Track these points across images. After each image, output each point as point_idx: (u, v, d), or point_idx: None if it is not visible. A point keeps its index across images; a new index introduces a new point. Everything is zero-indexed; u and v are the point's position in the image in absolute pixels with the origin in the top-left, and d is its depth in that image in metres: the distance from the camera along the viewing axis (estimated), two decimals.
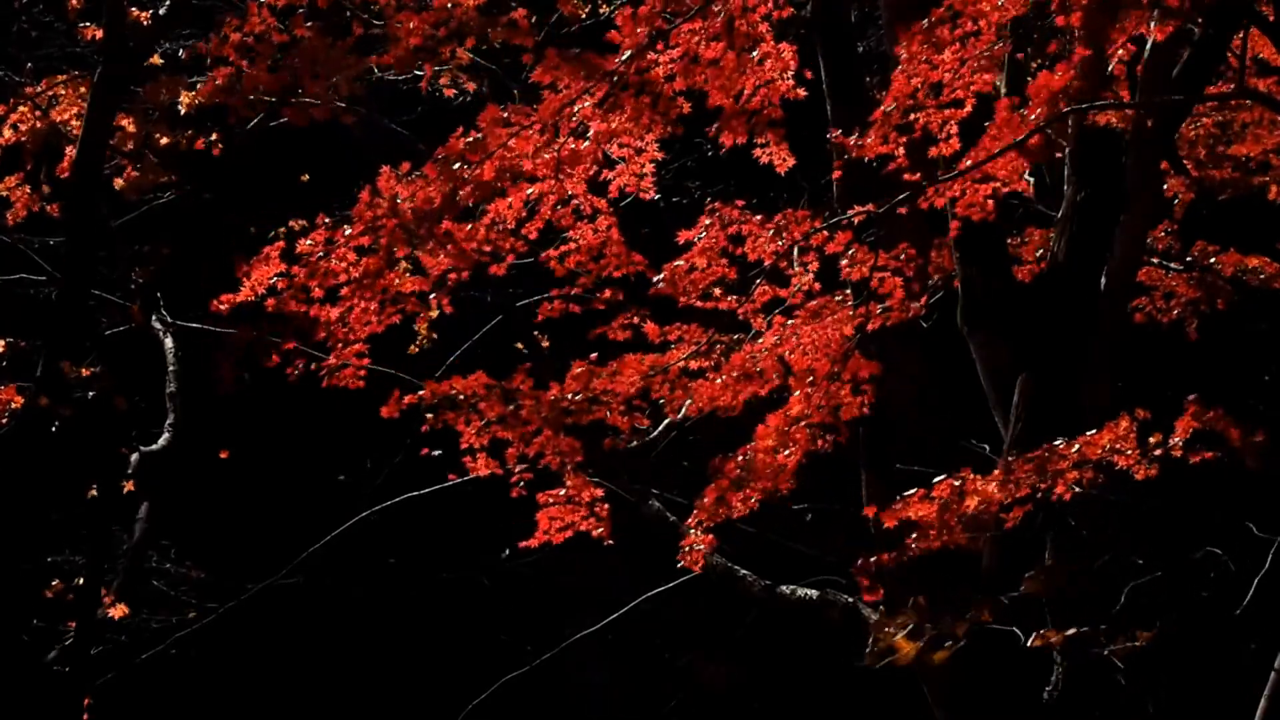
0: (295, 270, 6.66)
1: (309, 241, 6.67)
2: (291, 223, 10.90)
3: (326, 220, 6.64)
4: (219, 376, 7.02)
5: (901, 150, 6.30)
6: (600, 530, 7.56)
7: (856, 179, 7.80)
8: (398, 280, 6.62)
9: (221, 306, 6.87)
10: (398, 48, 6.53)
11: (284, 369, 6.91)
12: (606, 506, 7.61)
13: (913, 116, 6.13)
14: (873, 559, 6.83)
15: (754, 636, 14.39)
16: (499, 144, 6.12)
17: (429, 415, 6.87)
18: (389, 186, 6.38)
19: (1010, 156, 5.97)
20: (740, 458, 7.00)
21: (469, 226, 6.48)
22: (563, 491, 7.40)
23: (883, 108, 6.05)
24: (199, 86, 7.46)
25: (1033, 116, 5.69)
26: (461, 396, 6.87)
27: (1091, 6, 6.16)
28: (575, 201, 6.65)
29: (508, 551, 12.33)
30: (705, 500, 7.15)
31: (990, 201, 6.30)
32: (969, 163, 5.94)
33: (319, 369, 6.92)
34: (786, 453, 6.75)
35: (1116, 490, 6.66)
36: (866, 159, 6.25)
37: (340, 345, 6.83)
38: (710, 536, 7.31)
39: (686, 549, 7.39)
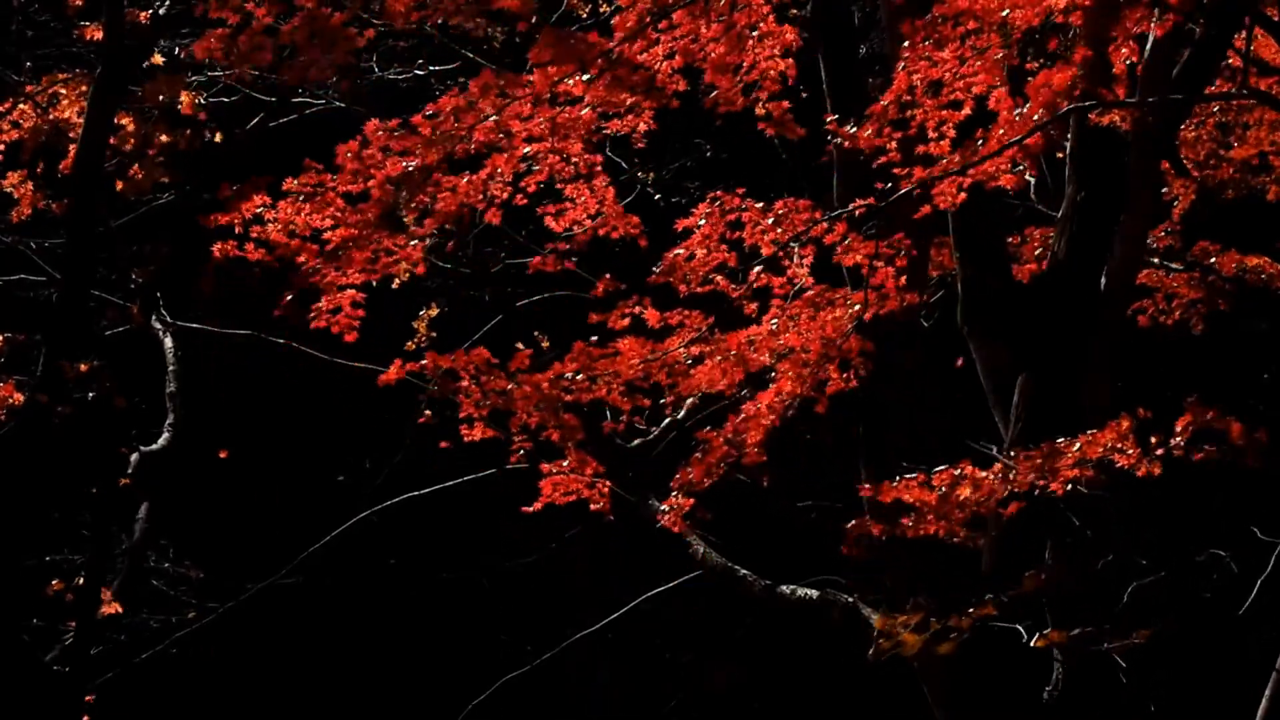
0: (281, 205, 6.52)
1: (296, 182, 6.52)
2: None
3: (317, 166, 6.50)
4: (198, 290, 6.84)
5: (894, 144, 6.32)
6: (600, 504, 7.52)
7: (856, 179, 7.80)
8: (388, 236, 6.48)
9: (209, 223, 6.75)
10: (392, 7, 6.34)
11: (271, 307, 6.70)
12: (607, 485, 7.57)
13: (909, 113, 6.14)
14: (864, 526, 6.82)
15: (754, 636, 14.39)
16: (491, 108, 6.03)
17: (432, 387, 6.81)
18: (378, 139, 6.24)
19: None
20: (730, 432, 6.98)
21: (466, 179, 6.37)
22: (565, 462, 7.35)
23: (881, 101, 6.05)
24: (192, 43, 7.32)
25: (1035, 116, 5.69)
26: (463, 370, 6.82)
27: (1093, 5, 6.16)
28: (574, 160, 6.60)
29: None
30: (691, 469, 7.08)
31: (963, 195, 6.30)
32: (971, 157, 5.93)
33: (310, 312, 6.70)
34: (764, 421, 6.74)
35: (1117, 489, 6.66)
36: (860, 149, 6.24)
37: (335, 290, 6.68)
38: (692, 500, 7.24)
39: (667, 509, 7.32)
